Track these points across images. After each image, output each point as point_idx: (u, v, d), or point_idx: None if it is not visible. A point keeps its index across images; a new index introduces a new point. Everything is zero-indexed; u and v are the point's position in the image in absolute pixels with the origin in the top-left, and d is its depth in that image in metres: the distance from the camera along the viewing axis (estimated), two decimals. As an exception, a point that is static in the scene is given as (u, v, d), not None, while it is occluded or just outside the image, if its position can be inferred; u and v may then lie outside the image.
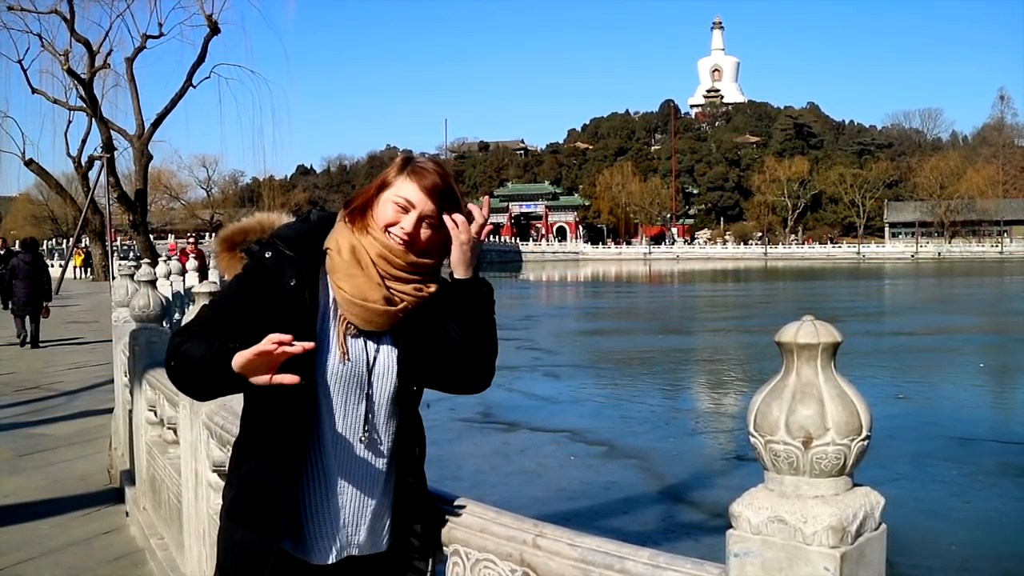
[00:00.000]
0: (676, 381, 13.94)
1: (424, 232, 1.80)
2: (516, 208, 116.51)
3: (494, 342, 1.87)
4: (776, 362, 1.35)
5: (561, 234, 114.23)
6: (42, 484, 6.41)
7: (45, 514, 5.66)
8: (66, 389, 10.65)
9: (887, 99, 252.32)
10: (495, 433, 9.55)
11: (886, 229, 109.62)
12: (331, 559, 1.83)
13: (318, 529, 1.81)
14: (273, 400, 1.76)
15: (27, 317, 15.03)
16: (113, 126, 43.92)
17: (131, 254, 42.66)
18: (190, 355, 1.71)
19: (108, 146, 42.10)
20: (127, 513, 5.60)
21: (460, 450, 8.51)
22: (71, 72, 41.81)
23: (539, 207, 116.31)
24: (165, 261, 18.30)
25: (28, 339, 15.01)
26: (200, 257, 20.75)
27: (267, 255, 1.79)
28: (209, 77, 46.47)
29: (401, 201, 1.78)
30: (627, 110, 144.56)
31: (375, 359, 1.83)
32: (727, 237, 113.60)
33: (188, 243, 26.56)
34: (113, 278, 18.73)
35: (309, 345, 1.61)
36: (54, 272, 36.72)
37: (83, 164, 45.90)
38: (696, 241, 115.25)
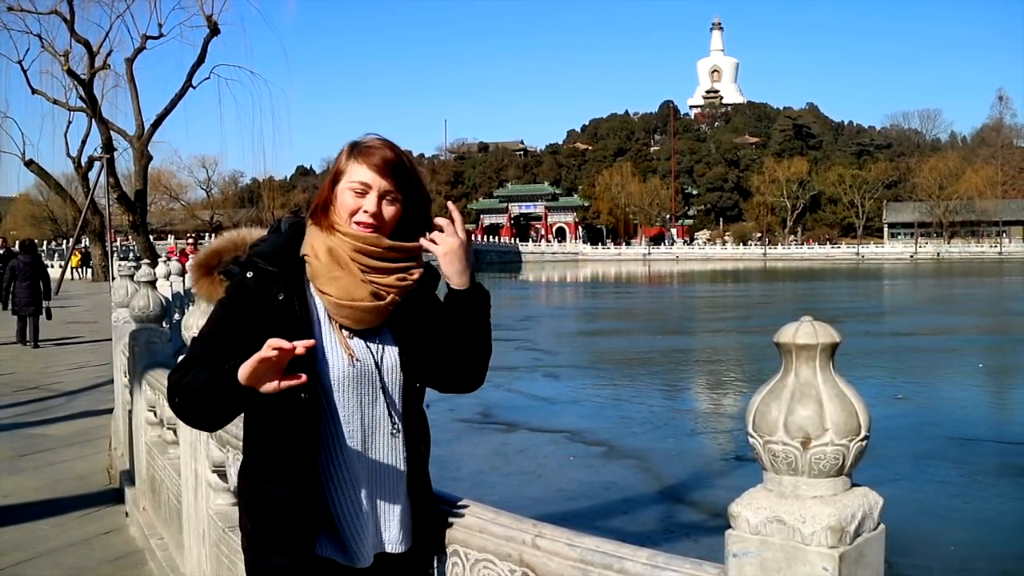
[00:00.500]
0: (675, 382, 13.94)
1: (388, 210, 1.79)
2: (515, 209, 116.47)
3: (489, 345, 1.89)
4: (775, 363, 1.35)
5: (560, 235, 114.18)
6: (42, 484, 6.41)
7: (45, 514, 5.66)
8: (66, 389, 10.65)
9: (886, 100, 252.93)
10: (494, 433, 9.55)
11: (885, 230, 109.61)
12: (370, 560, 1.81)
13: (357, 533, 1.79)
14: (278, 416, 1.75)
15: (28, 317, 15.26)
16: (113, 127, 43.94)
17: (131, 255, 42.63)
18: (194, 385, 1.70)
19: (108, 146, 42.13)
20: (127, 513, 5.61)
21: (460, 450, 8.51)
22: (71, 73, 41.84)
23: (538, 208, 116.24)
24: (165, 262, 18.29)
25: (29, 338, 15.22)
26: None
27: (249, 275, 1.76)
28: (209, 78, 46.54)
29: (356, 186, 1.77)
30: (626, 111, 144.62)
31: (381, 356, 1.82)
32: (726, 238, 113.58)
33: (187, 244, 26.54)
34: (113, 279, 18.75)
35: (309, 343, 1.61)
36: (54, 273, 36.80)
37: (83, 164, 45.92)
38: (695, 242, 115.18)
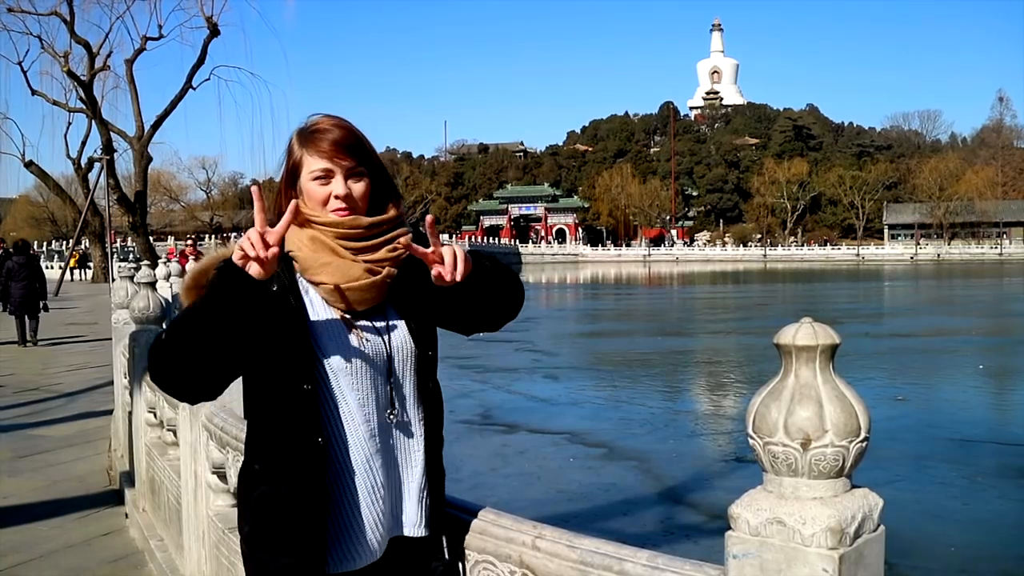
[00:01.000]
0: (675, 383, 13.93)
1: (357, 187, 1.76)
2: (515, 210, 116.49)
3: (510, 284, 1.84)
4: (775, 364, 1.35)
5: (560, 236, 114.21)
6: (41, 486, 6.41)
7: (44, 516, 5.66)
8: (66, 390, 10.65)
9: (886, 101, 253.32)
10: (494, 435, 9.55)
11: (885, 231, 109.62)
12: (379, 552, 1.77)
13: (365, 525, 1.74)
14: (280, 408, 1.72)
15: (25, 317, 15.56)
16: (113, 128, 43.99)
17: (131, 256, 42.66)
18: (175, 323, 1.64)
19: (108, 148, 42.17)
20: (126, 515, 5.60)
21: (459, 452, 8.50)
22: (71, 74, 41.89)
23: (538, 209, 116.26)
24: (165, 263, 18.30)
25: (28, 338, 15.48)
26: (199, 259, 20.78)
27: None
28: (209, 79, 46.76)
29: (318, 174, 1.74)
30: (626, 112, 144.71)
31: (390, 333, 1.79)
32: (726, 239, 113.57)
33: (187, 245, 26.54)
34: (113, 280, 18.81)
35: (292, 206, 1.63)
36: (54, 274, 36.84)
37: (83, 166, 45.98)
38: (695, 243, 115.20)
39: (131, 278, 7.32)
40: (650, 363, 15.78)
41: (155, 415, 5.10)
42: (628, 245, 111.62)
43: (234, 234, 72.09)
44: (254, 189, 1.66)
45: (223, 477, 3.28)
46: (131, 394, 5.80)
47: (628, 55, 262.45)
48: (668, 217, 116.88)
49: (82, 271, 47.80)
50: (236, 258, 1.59)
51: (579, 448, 8.93)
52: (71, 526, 5.47)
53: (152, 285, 6.00)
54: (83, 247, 50.26)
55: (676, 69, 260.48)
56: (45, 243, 74.43)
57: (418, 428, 1.83)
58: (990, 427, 10.29)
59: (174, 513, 4.32)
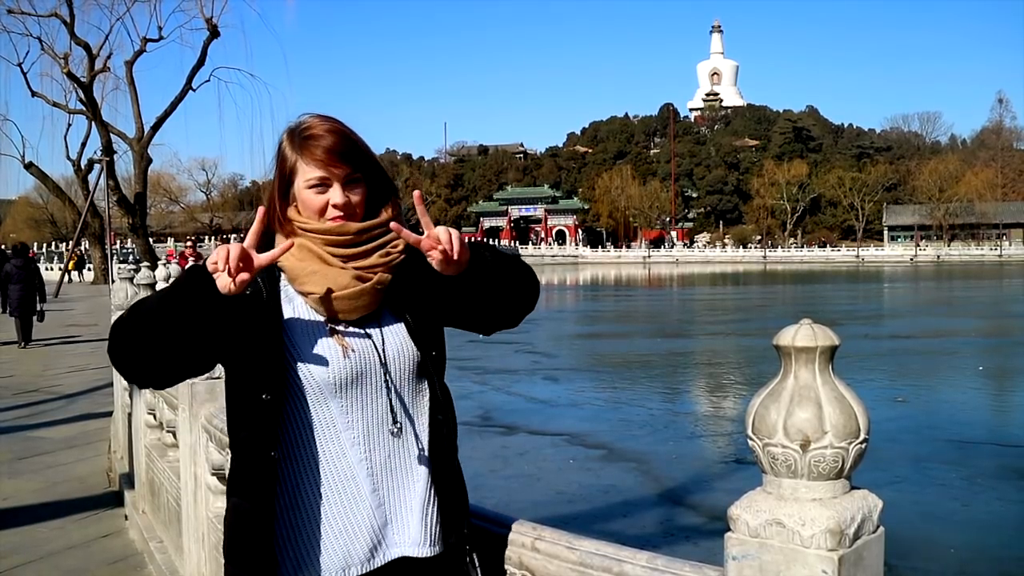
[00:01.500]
0: (675, 384, 13.93)
1: (355, 195, 1.68)
2: (515, 211, 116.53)
3: (520, 271, 1.76)
4: (774, 365, 1.35)
5: (560, 237, 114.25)
6: (41, 487, 6.41)
7: (44, 517, 5.66)
8: (65, 392, 10.66)
9: (886, 102, 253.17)
10: (494, 436, 9.54)
11: (885, 232, 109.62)
12: (365, 564, 1.66)
13: (338, 538, 1.65)
14: (242, 418, 1.67)
15: (22, 317, 16.05)
16: (113, 129, 44.03)
17: (130, 257, 42.65)
18: (135, 306, 1.60)
19: (108, 149, 42.20)
20: (126, 516, 5.60)
21: (459, 453, 8.50)
22: (71, 75, 41.93)
23: (538, 210, 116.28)
24: (164, 264, 18.34)
25: (23, 338, 15.90)
26: (199, 261, 20.83)
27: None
28: (208, 80, 46.80)
29: (314, 182, 1.66)
30: (626, 113, 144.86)
31: (384, 340, 1.70)
32: (726, 240, 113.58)
33: (187, 247, 26.54)
34: (112, 281, 18.88)
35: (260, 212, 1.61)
36: (54, 275, 36.85)
37: (83, 167, 46.04)
38: (695, 244, 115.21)
39: (131, 279, 7.32)
40: (650, 364, 15.77)
41: (155, 417, 5.10)
42: (628, 246, 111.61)
43: (233, 236, 72.08)
44: (260, 210, 1.63)
45: (223, 479, 3.28)
46: (131, 396, 5.80)
47: (628, 57, 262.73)
48: (668, 219, 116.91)
49: (79, 273, 47.80)
50: (210, 264, 1.55)
51: (579, 449, 8.93)
52: (71, 528, 5.47)
53: (152, 287, 6.01)
54: (81, 249, 50.24)
55: (676, 71, 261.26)
56: (45, 245, 74.47)
57: (419, 437, 1.73)
58: (990, 428, 10.29)
59: (174, 515, 4.32)
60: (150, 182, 52.49)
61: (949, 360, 16.25)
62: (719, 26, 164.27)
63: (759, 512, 1.30)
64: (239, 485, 1.69)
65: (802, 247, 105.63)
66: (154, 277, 6.26)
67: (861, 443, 1.30)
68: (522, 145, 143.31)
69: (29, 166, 45.46)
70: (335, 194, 1.66)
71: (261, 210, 1.64)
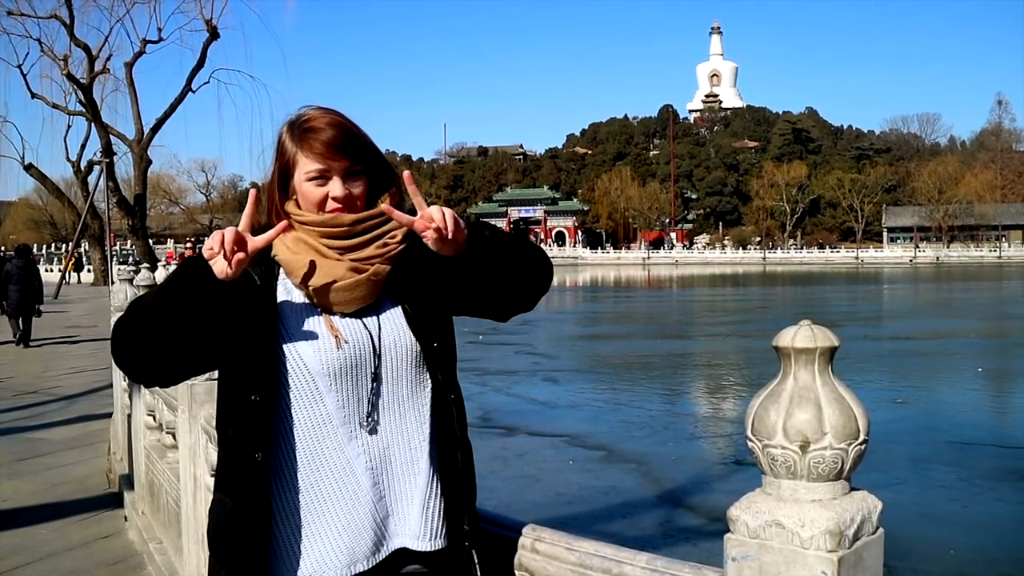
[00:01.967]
0: (674, 385, 13.94)
1: (355, 188, 1.66)
2: (515, 213, 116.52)
3: (528, 250, 1.72)
4: (774, 366, 1.36)
5: (560, 239, 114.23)
6: (40, 488, 6.41)
7: (43, 518, 5.66)
8: (65, 393, 10.65)
9: (885, 104, 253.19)
10: (494, 437, 9.54)
11: (884, 234, 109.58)
12: (367, 560, 1.63)
13: (337, 533, 1.62)
14: (230, 417, 1.65)
15: (20, 318, 16.22)
16: (112, 131, 44.02)
17: (130, 259, 42.65)
18: (134, 303, 1.60)
19: (107, 151, 42.18)
20: (126, 517, 5.60)
21: (459, 455, 8.50)
22: (70, 77, 41.91)
23: (538, 212, 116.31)
24: (164, 266, 18.36)
25: (21, 339, 16.02)
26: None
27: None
28: (208, 82, 46.62)
29: (314, 174, 1.64)
30: (626, 115, 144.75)
31: (380, 331, 1.67)
32: (726, 242, 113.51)
33: (187, 248, 26.55)
34: (112, 283, 18.91)
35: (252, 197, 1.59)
36: (53, 277, 36.83)
37: (82, 169, 46.01)
38: (695, 246, 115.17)
39: (130, 281, 7.31)
40: (649, 366, 15.78)
41: (154, 418, 5.10)
42: (627, 248, 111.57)
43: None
44: (252, 192, 1.63)
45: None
46: (130, 397, 5.80)
47: (627, 58, 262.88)
48: (667, 220, 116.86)
49: (77, 274, 47.80)
50: (205, 250, 1.55)
51: (578, 451, 8.93)
52: (70, 529, 5.47)
53: (151, 288, 6.00)
54: (80, 250, 50.23)
55: (675, 72, 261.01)
56: (45, 246, 74.44)
57: (421, 430, 1.69)
58: (989, 430, 10.29)
59: (173, 516, 4.32)
60: (150, 183, 52.46)
61: (948, 361, 16.25)
62: (719, 28, 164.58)
63: (759, 513, 1.30)
64: (224, 482, 1.68)
65: (801, 248, 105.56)
66: (153, 278, 6.26)
67: (861, 444, 1.30)
68: (521, 146, 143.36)
69: (29, 167, 45.44)
70: (335, 187, 1.65)
71: (253, 192, 1.63)
